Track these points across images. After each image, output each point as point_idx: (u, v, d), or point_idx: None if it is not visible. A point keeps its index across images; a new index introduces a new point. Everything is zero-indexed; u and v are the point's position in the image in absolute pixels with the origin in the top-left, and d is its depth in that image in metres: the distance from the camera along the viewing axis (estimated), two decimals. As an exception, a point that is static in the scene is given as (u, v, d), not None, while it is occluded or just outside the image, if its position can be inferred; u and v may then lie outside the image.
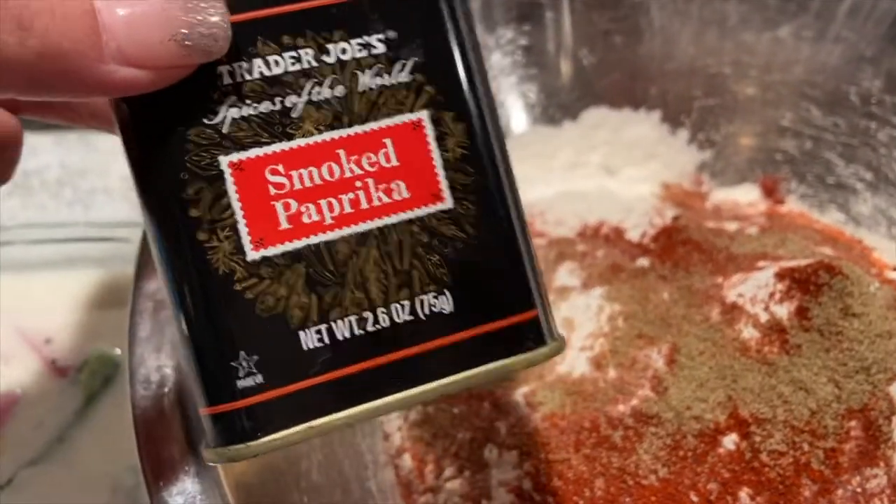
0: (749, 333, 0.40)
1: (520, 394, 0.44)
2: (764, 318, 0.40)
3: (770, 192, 0.57)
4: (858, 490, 0.36)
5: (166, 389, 0.34)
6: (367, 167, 0.24)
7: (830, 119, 0.57)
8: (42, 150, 0.66)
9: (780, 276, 0.40)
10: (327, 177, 0.23)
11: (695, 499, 0.38)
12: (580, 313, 0.46)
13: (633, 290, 0.45)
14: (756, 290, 0.41)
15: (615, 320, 0.44)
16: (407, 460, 0.45)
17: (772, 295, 0.40)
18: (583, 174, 0.59)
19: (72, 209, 0.63)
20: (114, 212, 0.61)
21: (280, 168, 0.23)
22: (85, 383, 0.46)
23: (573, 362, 0.44)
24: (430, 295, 0.25)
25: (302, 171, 0.23)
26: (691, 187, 0.58)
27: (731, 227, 0.50)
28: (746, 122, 0.59)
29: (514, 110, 0.59)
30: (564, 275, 0.49)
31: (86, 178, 0.65)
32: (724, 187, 0.59)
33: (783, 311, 0.39)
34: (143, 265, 0.37)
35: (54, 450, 0.44)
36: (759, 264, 0.44)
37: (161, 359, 0.35)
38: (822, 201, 0.56)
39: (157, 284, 0.37)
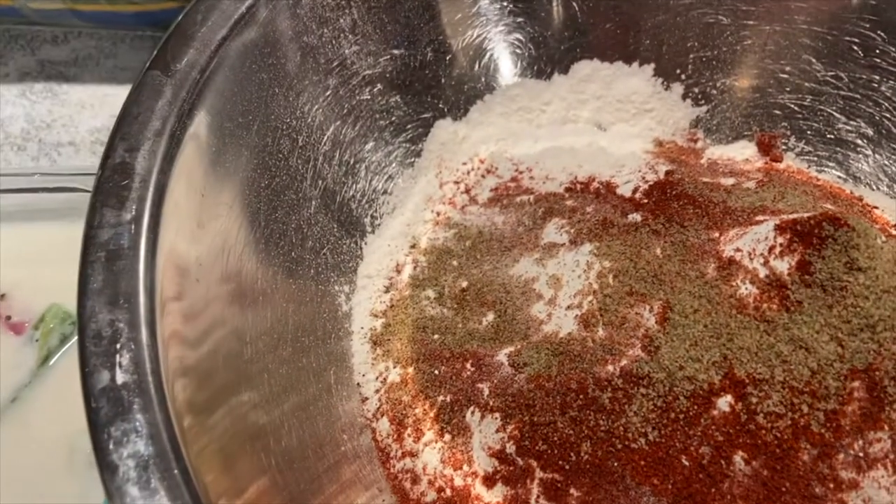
0: (746, 290, 0.37)
1: (503, 354, 0.42)
2: (763, 273, 0.37)
3: (767, 148, 0.55)
4: (861, 454, 0.34)
5: (118, 346, 0.31)
6: None
7: (832, 71, 0.54)
8: (6, 102, 0.63)
9: (781, 229, 0.38)
10: None
11: (686, 463, 0.36)
12: (568, 270, 0.43)
13: (624, 246, 0.43)
14: (755, 245, 0.38)
15: (605, 277, 0.41)
16: (385, 424, 0.43)
17: (772, 249, 0.37)
18: (572, 130, 0.56)
19: (37, 163, 0.60)
20: (80, 166, 0.58)
21: None
22: (41, 342, 0.43)
23: (560, 321, 0.42)
24: None
25: None
26: (685, 144, 0.56)
27: (728, 181, 0.47)
28: (744, 75, 0.56)
29: (502, 61, 0.56)
30: (552, 231, 0.47)
31: (52, 132, 0.61)
32: (720, 144, 0.56)
33: (783, 266, 0.37)
34: (94, 211, 0.34)
35: (8, 410, 0.41)
36: (758, 218, 0.41)
37: (114, 312, 0.32)
38: (822, 158, 0.54)
39: (111, 232, 0.34)
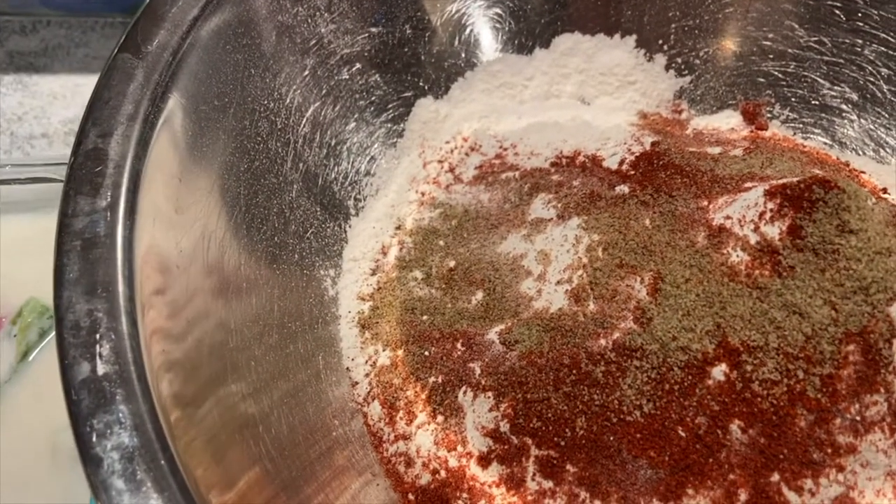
0: (738, 257, 0.37)
1: (494, 332, 0.41)
2: (754, 239, 0.37)
3: (752, 117, 0.54)
4: (858, 418, 0.34)
5: (98, 336, 0.30)
6: None
7: (815, 37, 0.53)
8: (-26, 96, 0.61)
9: (771, 193, 0.37)
10: None
11: (682, 434, 0.36)
12: (557, 246, 0.43)
13: (612, 219, 0.42)
14: (745, 211, 0.38)
15: (594, 251, 0.41)
16: (376, 408, 0.42)
17: (762, 215, 0.37)
18: (556, 105, 0.56)
19: (9, 157, 0.59)
20: (53, 158, 0.57)
21: None
22: (20, 337, 0.42)
23: (550, 297, 0.41)
24: None
25: None
26: (670, 115, 0.55)
27: (714, 150, 0.47)
28: (726, 43, 0.55)
29: (483, 37, 0.55)
30: (539, 207, 0.46)
31: (24, 124, 0.60)
32: (705, 114, 0.56)
33: (774, 231, 0.36)
34: (68, 199, 0.33)
35: (-11, 408, 0.40)
36: (747, 185, 0.41)
37: (93, 302, 0.31)
38: (807, 125, 0.54)
39: (86, 220, 0.33)
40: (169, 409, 0.31)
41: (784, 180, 0.38)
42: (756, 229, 0.37)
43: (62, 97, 0.60)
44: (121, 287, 0.31)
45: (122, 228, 0.33)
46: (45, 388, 0.41)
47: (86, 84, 0.60)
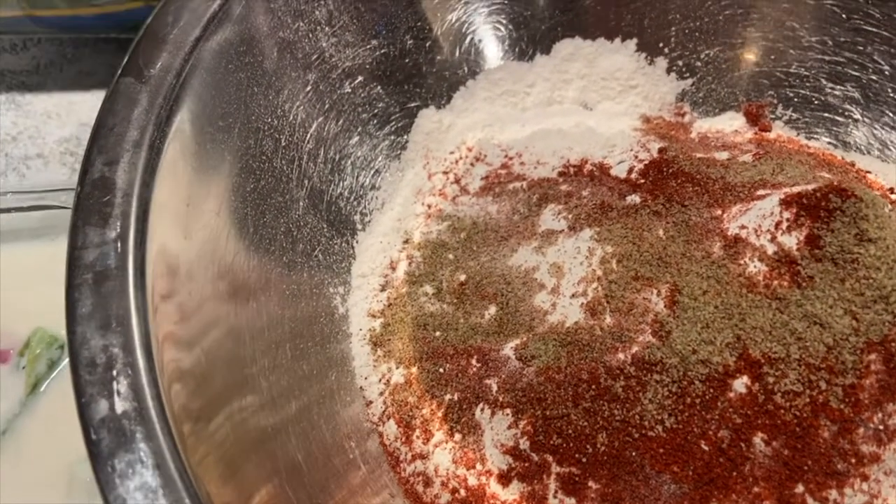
0: (755, 267, 0.37)
1: (510, 347, 0.41)
2: (771, 249, 0.37)
3: (755, 119, 0.54)
4: (881, 427, 0.34)
5: (115, 372, 0.30)
6: None
7: (816, 36, 0.53)
8: (-34, 117, 0.60)
9: (787, 202, 0.37)
10: None
11: (705, 448, 0.35)
12: (569, 258, 0.42)
13: (625, 230, 0.42)
14: (760, 221, 0.37)
15: (608, 263, 0.40)
16: (392, 427, 0.42)
17: (778, 224, 0.37)
18: (559, 111, 0.55)
19: (5, 179, 0.58)
20: (50, 179, 0.56)
21: None
22: (29, 369, 0.41)
23: (565, 310, 0.41)
24: None
25: None
26: (673, 118, 0.55)
27: (722, 155, 0.47)
28: (728, 45, 0.55)
29: (483, 45, 0.55)
30: (549, 218, 0.45)
31: (18, 145, 0.59)
32: (707, 117, 0.55)
33: (792, 241, 0.36)
34: (77, 231, 0.32)
35: (0, 442, 0.40)
36: (759, 192, 0.40)
37: (107, 337, 0.30)
38: (810, 125, 0.53)
39: (97, 252, 0.32)
40: (184, 434, 0.30)
41: (798, 188, 0.38)
42: (773, 239, 0.37)
43: (57, 116, 0.59)
44: (135, 320, 0.31)
45: (132, 259, 0.32)
46: (58, 420, 0.40)
47: (80, 101, 0.59)
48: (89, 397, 0.29)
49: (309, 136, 0.47)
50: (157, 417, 0.29)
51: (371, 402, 0.43)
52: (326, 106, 0.48)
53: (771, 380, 0.35)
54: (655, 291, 0.38)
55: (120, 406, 0.29)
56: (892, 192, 0.47)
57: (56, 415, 0.40)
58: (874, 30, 0.52)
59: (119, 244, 0.32)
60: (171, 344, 0.32)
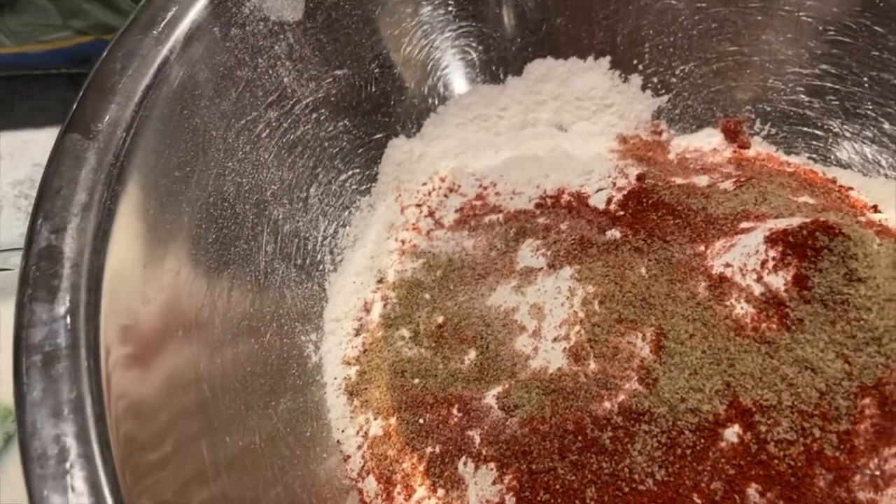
0: (742, 309, 0.35)
1: (491, 396, 0.39)
2: (758, 290, 0.35)
3: (733, 135, 0.53)
4: (877, 473, 0.33)
5: (68, 465, 0.27)
6: None
7: (792, 49, 0.52)
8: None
9: (772, 240, 0.35)
10: None
11: (698, 501, 0.34)
12: (550, 298, 0.41)
13: (606, 268, 0.40)
14: (745, 259, 0.36)
15: (590, 304, 0.39)
16: (372, 483, 0.40)
17: (764, 263, 0.35)
18: (533, 134, 0.54)
19: (-45, 226, 0.55)
20: (6, 227, 0.53)
21: None
22: (-17, 443, 0.39)
23: (548, 355, 0.39)
24: None
25: None
26: (650, 137, 0.54)
27: (702, 181, 0.45)
28: (703, 60, 0.54)
29: (452, 69, 0.53)
30: (527, 254, 0.44)
31: (-32, 187, 0.56)
32: (685, 134, 0.54)
33: (779, 282, 0.35)
34: (23, 308, 0.30)
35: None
36: (743, 225, 0.39)
37: (59, 426, 0.28)
38: (790, 140, 0.52)
39: (45, 331, 0.30)
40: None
41: (783, 223, 0.36)
42: (759, 279, 0.35)
43: (9, 157, 0.56)
44: (89, 406, 0.29)
45: (84, 337, 0.30)
46: (17, 498, 0.38)
47: (33, 140, 0.57)
48: (42, 494, 0.27)
49: (273, 176, 0.45)
50: (116, 514, 0.27)
51: (349, 457, 0.41)
52: (290, 143, 0.46)
53: (763, 428, 0.33)
54: (640, 335, 0.37)
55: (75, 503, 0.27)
56: (875, 210, 0.46)
57: (15, 492, 0.38)
58: (851, 41, 0.50)
59: (69, 320, 0.30)
60: (130, 429, 0.30)
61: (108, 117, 0.35)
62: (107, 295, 0.32)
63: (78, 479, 0.27)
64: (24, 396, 0.29)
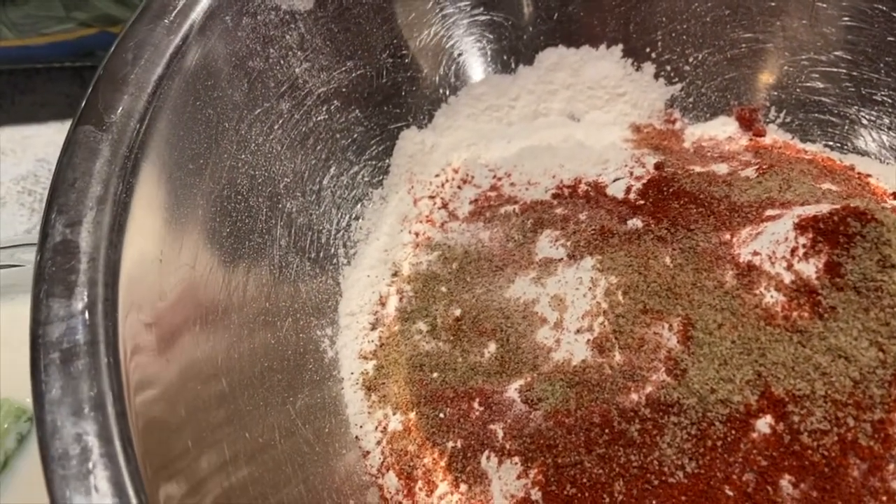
0: (773, 298, 0.35)
1: (513, 389, 0.39)
2: (788, 278, 0.35)
3: (748, 123, 0.52)
4: (912, 462, 0.32)
5: (91, 465, 0.27)
6: None
7: (808, 35, 0.51)
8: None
9: (802, 227, 0.35)
10: None
11: (730, 493, 0.33)
12: (571, 289, 0.40)
13: (629, 257, 0.39)
14: (774, 246, 0.35)
15: (613, 295, 0.38)
16: (392, 479, 0.39)
17: (794, 250, 0.35)
18: (545, 124, 0.53)
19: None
20: (9, 222, 0.52)
21: None
22: (-4, 445, 0.38)
23: (571, 347, 0.38)
24: None
25: None
26: (664, 126, 0.53)
27: (721, 169, 0.45)
28: (716, 47, 0.53)
29: (464, 59, 0.52)
30: (546, 245, 0.43)
31: (-30, 185, 0.55)
32: (699, 122, 0.53)
33: (810, 269, 0.34)
34: (39, 305, 0.29)
35: (-31, 530, 0.36)
36: (769, 213, 0.38)
37: (80, 425, 0.27)
38: (805, 128, 0.52)
39: (63, 327, 0.29)
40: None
41: (812, 210, 0.36)
42: (789, 267, 0.35)
43: (11, 152, 0.55)
44: (110, 403, 0.28)
45: (103, 332, 0.29)
46: (32, 500, 0.37)
47: (35, 135, 0.56)
48: (64, 496, 0.26)
49: (286, 169, 0.44)
50: (141, 514, 0.26)
51: (368, 453, 0.41)
52: (302, 135, 0.45)
53: (796, 418, 0.33)
54: (667, 325, 0.36)
55: (99, 504, 0.26)
56: (895, 198, 0.46)
57: (30, 494, 0.37)
58: (867, 27, 0.50)
59: (87, 316, 0.29)
60: (151, 422, 0.29)
61: (121, 108, 0.34)
62: (124, 290, 0.31)
63: (101, 479, 0.26)
64: (42, 395, 0.28)
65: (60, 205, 0.32)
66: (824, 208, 0.35)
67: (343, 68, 0.47)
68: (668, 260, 0.38)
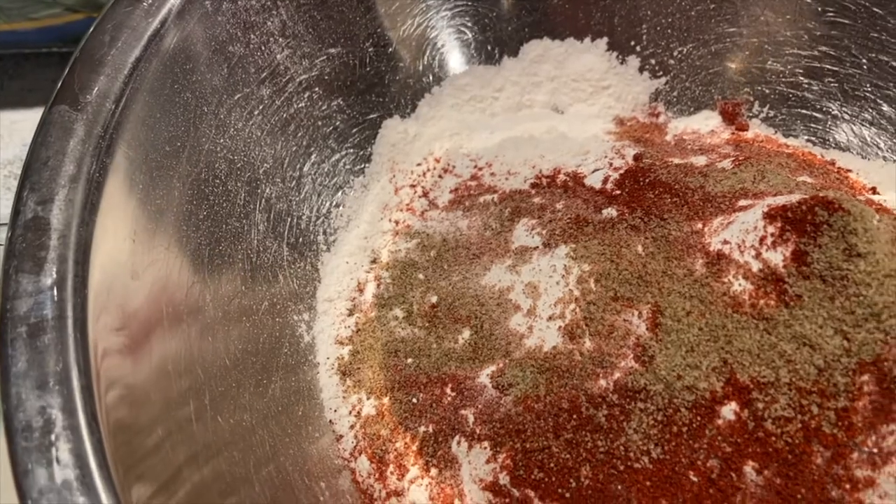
0: (740, 286, 0.35)
1: (485, 375, 0.39)
2: (756, 266, 0.35)
3: (731, 117, 0.52)
4: (875, 450, 0.32)
5: (54, 437, 0.27)
6: None
7: (791, 31, 0.51)
8: None
9: (770, 216, 0.35)
10: None
11: (694, 479, 0.34)
12: (545, 277, 0.40)
13: (602, 246, 0.40)
14: (743, 235, 0.36)
15: (586, 282, 0.38)
16: (364, 463, 0.40)
17: (762, 239, 0.35)
18: (529, 116, 0.53)
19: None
20: (-6, 205, 0.53)
21: None
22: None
23: (543, 334, 0.39)
24: None
25: None
26: (647, 119, 0.53)
27: (700, 161, 0.45)
28: (701, 42, 0.53)
29: (448, 50, 0.52)
30: (522, 234, 0.43)
31: (-42, 168, 0.55)
32: (682, 116, 0.54)
33: (777, 258, 0.34)
34: (8, 279, 0.30)
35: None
36: (741, 203, 0.39)
37: (45, 398, 0.28)
38: (788, 123, 0.52)
39: (31, 302, 0.29)
40: (137, 500, 0.28)
41: (782, 200, 0.36)
42: (757, 255, 0.35)
43: (-1, 137, 0.55)
44: (75, 377, 0.28)
45: (72, 308, 0.30)
46: (6, 489, 0.37)
47: (23, 120, 0.56)
48: (26, 466, 0.27)
49: (265, 154, 0.44)
50: (102, 486, 0.27)
51: (341, 437, 0.41)
52: (283, 122, 0.45)
53: (760, 405, 0.33)
54: (636, 313, 0.37)
55: (60, 475, 0.26)
56: (874, 192, 0.46)
57: (4, 481, 0.37)
58: (850, 23, 0.50)
59: (56, 292, 0.30)
60: (117, 399, 0.29)
61: (96, 89, 0.35)
62: (95, 267, 0.31)
63: (63, 451, 0.27)
64: (8, 368, 0.28)
65: (33, 182, 0.32)
66: (794, 198, 0.35)
67: (325, 56, 0.47)
68: (640, 248, 0.39)
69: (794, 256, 0.34)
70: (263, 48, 0.43)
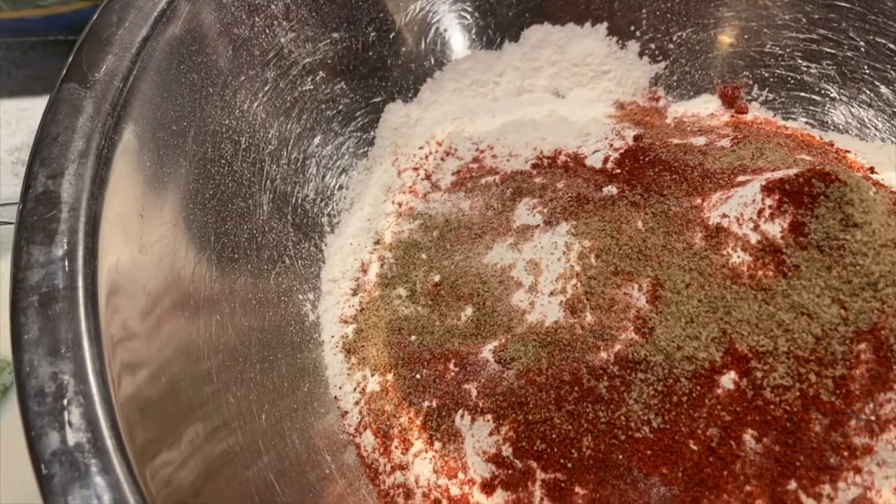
0: (739, 258, 0.35)
1: (488, 350, 0.39)
2: (754, 238, 0.35)
3: (731, 101, 0.53)
4: (873, 418, 0.33)
5: (66, 402, 0.27)
6: None
7: (789, 14, 0.52)
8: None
9: (768, 189, 0.35)
10: None
11: (694, 447, 0.34)
12: (546, 254, 0.41)
13: (602, 222, 0.40)
14: (742, 209, 0.36)
15: (586, 258, 0.39)
16: (369, 438, 0.40)
17: (760, 212, 0.35)
18: (529, 100, 0.54)
19: (-46, 192, 0.55)
20: (2, 191, 0.53)
21: None
22: (-19, 396, 0.39)
23: (544, 309, 0.39)
24: None
25: None
26: (647, 103, 0.54)
27: (699, 141, 0.45)
28: (700, 26, 0.54)
29: (450, 34, 0.53)
30: (524, 213, 0.44)
31: (-34, 155, 0.56)
32: (682, 100, 0.54)
33: (776, 229, 0.35)
34: (20, 251, 0.30)
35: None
36: (740, 179, 0.39)
37: (57, 364, 0.28)
38: (787, 105, 0.52)
39: (42, 272, 0.30)
40: (146, 469, 0.28)
41: (780, 174, 0.36)
42: (756, 228, 0.35)
43: (6, 124, 0.56)
44: (86, 344, 0.29)
45: (82, 278, 0.30)
46: (20, 454, 0.37)
47: (31, 108, 0.57)
48: (39, 430, 0.27)
49: (270, 136, 0.45)
50: (113, 448, 0.27)
51: (346, 413, 0.41)
52: (287, 104, 0.46)
53: (759, 374, 0.33)
54: (636, 286, 0.37)
55: (72, 438, 0.27)
56: (872, 172, 0.46)
57: (16, 446, 0.38)
58: (848, 5, 0.50)
59: (67, 263, 0.30)
60: (127, 368, 0.30)
61: (105, 67, 0.35)
62: (104, 239, 0.32)
63: (75, 414, 0.27)
64: (21, 336, 0.29)
65: (43, 158, 0.33)
66: (792, 171, 0.36)
67: (328, 40, 0.47)
68: (640, 224, 0.39)
69: (791, 228, 0.34)
70: (268, 31, 0.44)
